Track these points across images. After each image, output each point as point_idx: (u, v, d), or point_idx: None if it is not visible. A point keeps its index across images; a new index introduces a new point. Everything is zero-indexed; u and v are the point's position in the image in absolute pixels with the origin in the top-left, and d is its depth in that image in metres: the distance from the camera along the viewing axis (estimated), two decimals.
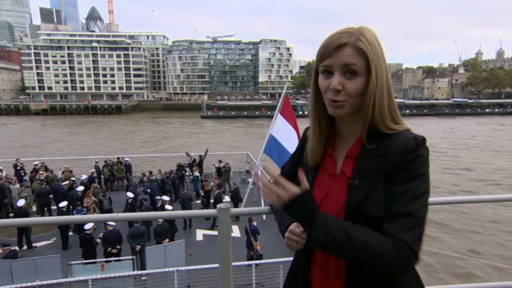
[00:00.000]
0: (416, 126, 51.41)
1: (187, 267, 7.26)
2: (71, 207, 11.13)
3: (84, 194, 11.78)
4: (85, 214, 10.24)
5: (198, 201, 13.44)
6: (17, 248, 9.23)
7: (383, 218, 0.98)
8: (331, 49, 1.01)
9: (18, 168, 14.89)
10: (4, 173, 14.28)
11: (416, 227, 0.95)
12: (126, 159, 16.46)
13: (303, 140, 1.33)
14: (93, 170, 15.13)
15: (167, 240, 9.07)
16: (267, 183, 1.05)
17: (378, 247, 0.92)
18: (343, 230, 0.95)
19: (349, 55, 1.00)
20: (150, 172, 14.60)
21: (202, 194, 13.18)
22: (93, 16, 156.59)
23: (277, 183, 1.03)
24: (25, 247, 9.57)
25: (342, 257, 1.03)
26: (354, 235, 0.94)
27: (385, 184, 1.00)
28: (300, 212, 1.00)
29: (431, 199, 1.62)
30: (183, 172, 15.46)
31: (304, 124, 1.35)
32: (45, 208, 11.85)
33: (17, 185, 12.76)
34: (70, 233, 10.20)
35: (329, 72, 1.04)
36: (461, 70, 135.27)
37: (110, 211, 11.18)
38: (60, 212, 10.14)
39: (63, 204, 10.28)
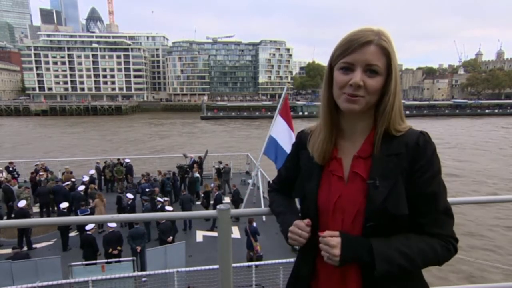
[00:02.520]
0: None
1: (187, 268, 7.25)
2: (73, 208, 11.15)
3: (86, 194, 11.79)
4: (89, 214, 10.23)
5: (198, 202, 13.45)
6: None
7: (420, 217, 1.03)
8: (356, 45, 1.01)
9: (11, 169, 14.92)
10: (4, 174, 14.28)
11: (451, 219, 1.05)
12: (127, 160, 16.43)
13: (299, 146, 1.30)
14: (93, 171, 15.13)
15: (171, 237, 9.13)
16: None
17: (432, 253, 1.00)
18: (401, 253, 0.98)
19: (373, 54, 1.01)
20: (148, 174, 14.59)
21: (202, 194, 13.17)
22: (93, 17, 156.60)
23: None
24: (25, 248, 9.57)
25: (402, 273, 1.02)
26: (410, 253, 0.98)
27: (404, 182, 1.03)
28: (356, 253, 1.01)
29: None
30: (184, 174, 15.43)
31: (303, 125, 1.35)
32: (44, 209, 11.87)
33: (16, 186, 12.77)
34: (72, 234, 10.19)
35: (349, 69, 1.04)
36: (461, 71, 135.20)
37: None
38: (61, 213, 10.14)
39: (65, 205, 10.26)
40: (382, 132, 1.07)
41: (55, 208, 11.73)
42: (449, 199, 1.08)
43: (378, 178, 1.04)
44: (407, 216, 1.02)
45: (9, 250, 8.96)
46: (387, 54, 1.02)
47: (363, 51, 1.01)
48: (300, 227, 1.13)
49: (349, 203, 1.07)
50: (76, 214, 10.49)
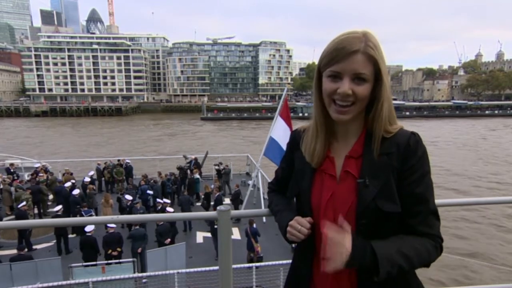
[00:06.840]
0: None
1: (188, 270, 7.24)
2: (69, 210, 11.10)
3: (85, 197, 11.76)
4: (92, 215, 10.19)
5: (198, 204, 13.43)
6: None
7: (410, 217, 1.05)
8: (342, 55, 1.02)
9: (12, 171, 14.91)
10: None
11: (438, 219, 1.07)
12: (127, 161, 16.41)
13: (293, 146, 1.32)
14: (93, 172, 15.11)
15: (169, 239, 9.10)
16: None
17: (426, 253, 1.02)
18: (401, 254, 0.98)
19: (360, 63, 1.01)
20: (146, 176, 14.53)
21: (203, 196, 13.17)
22: (93, 18, 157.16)
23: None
24: (25, 249, 9.54)
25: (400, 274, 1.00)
26: (408, 253, 0.99)
27: (395, 180, 1.05)
28: (360, 253, 0.95)
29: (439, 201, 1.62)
30: (184, 175, 15.41)
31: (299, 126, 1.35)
32: (36, 209, 11.89)
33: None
34: (71, 236, 10.12)
35: (337, 77, 1.05)
36: (461, 72, 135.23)
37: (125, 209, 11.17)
38: (55, 216, 9.91)
39: (58, 207, 10.11)
40: (371, 135, 1.10)
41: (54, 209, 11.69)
42: (437, 201, 1.10)
43: (368, 177, 1.06)
44: (398, 214, 1.04)
45: (8, 252, 8.97)
46: (374, 61, 1.02)
47: (350, 60, 1.01)
48: (301, 223, 1.13)
49: (341, 201, 1.09)
50: (76, 216, 10.45)
